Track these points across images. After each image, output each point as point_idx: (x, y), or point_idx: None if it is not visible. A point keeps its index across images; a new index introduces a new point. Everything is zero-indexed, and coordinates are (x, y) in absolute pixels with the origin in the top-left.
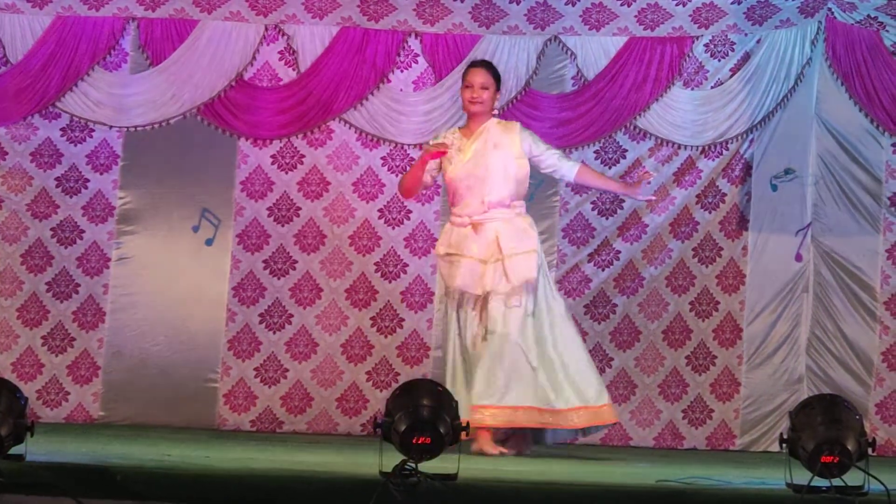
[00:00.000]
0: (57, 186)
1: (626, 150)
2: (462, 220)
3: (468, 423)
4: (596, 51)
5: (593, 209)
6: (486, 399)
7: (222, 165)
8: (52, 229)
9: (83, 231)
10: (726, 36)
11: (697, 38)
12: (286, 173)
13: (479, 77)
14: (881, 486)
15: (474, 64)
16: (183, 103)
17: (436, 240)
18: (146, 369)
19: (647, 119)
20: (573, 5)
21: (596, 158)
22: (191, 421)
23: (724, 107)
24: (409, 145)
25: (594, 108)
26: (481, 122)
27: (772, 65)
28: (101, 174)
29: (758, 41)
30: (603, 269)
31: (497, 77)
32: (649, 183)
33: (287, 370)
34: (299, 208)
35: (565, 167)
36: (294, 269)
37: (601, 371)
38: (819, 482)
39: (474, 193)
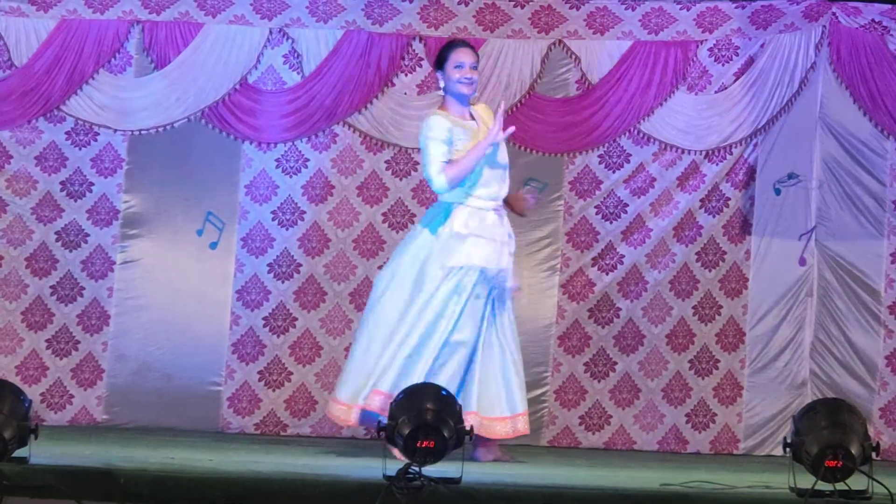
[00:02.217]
0: (61, 190)
1: (631, 155)
2: (485, 204)
3: (472, 427)
4: (600, 55)
5: (597, 213)
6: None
7: (226, 169)
8: (56, 233)
9: (88, 234)
10: (730, 40)
11: (702, 42)
12: (290, 177)
13: (470, 57)
14: (885, 491)
15: (460, 43)
16: (187, 107)
17: None
18: (150, 372)
19: (651, 123)
20: (577, 9)
21: (600, 163)
22: (195, 424)
23: (727, 111)
24: (413, 149)
25: (598, 112)
26: (466, 104)
27: (776, 69)
28: (106, 178)
29: (762, 45)
30: (607, 274)
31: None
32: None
33: (291, 373)
34: (303, 212)
35: None
36: (298, 272)
37: (605, 375)
38: (823, 486)
39: (496, 178)
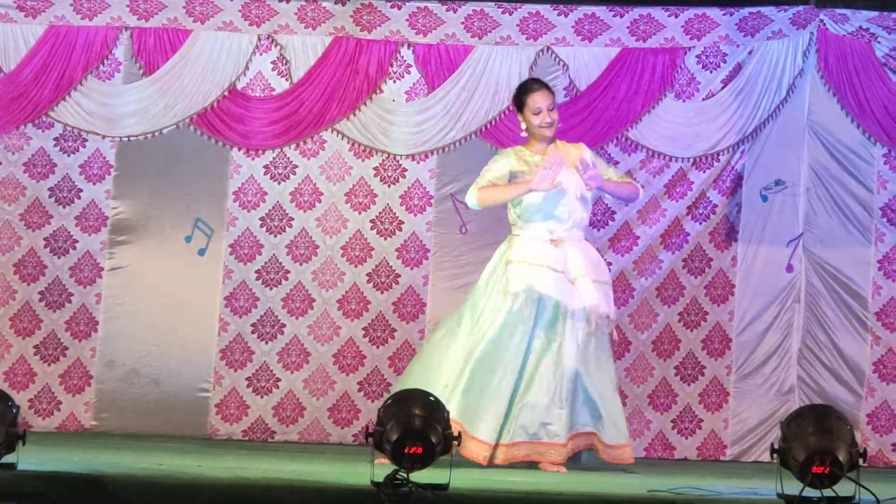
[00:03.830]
0: (50, 196)
1: (618, 162)
2: (540, 236)
3: (459, 434)
4: (588, 62)
5: None
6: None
7: (215, 175)
8: (45, 239)
9: (76, 241)
10: (718, 47)
11: (689, 49)
12: (279, 183)
13: (547, 100)
14: (872, 497)
15: (535, 86)
16: (176, 113)
17: (428, 250)
18: (138, 379)
19: (639, 131)
20: (566, 16)
21: None
22: (183, 430)
23: (715, 118)
24: (400, 156)
25: (586, 119)
26: (549, 142)
27: (763, 76)
28: (94, 184)
29: (749, 52)
30: None
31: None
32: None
33: (279, 380)
34: (292, 219)
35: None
36: (286, 279)
37: None
38: (810, 493)
39: (554, 211)
